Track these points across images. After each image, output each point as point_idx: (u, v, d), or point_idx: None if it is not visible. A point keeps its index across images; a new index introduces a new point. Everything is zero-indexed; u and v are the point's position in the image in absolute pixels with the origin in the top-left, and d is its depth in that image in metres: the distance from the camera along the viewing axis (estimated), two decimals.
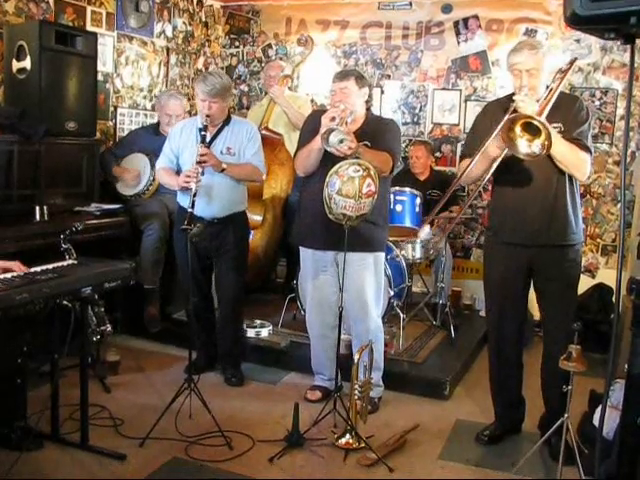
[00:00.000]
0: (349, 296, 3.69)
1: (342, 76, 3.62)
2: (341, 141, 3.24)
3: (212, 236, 3.94)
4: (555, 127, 3.05)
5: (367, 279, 3.69)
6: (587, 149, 3.11)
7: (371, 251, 3.68)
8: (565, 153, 3.04)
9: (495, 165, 3.15)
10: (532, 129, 2.87)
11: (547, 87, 3.16)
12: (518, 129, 2.90)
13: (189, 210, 3.60)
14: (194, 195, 3.63)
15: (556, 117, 3.08)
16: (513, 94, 3.19)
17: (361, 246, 3.60)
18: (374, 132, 3.56)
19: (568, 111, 3.14)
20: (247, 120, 4.66)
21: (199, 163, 3.65)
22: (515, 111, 3.04)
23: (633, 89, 5.20)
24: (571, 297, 3.31)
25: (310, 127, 3.63)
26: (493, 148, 3.10)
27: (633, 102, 5.27)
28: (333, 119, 3.35)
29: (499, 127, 2.99)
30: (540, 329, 5.01)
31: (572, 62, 3.34)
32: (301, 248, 3.84)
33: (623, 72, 5.29)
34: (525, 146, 2.91)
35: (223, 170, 3.79)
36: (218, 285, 4.17)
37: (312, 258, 3.75)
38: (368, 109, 3.73)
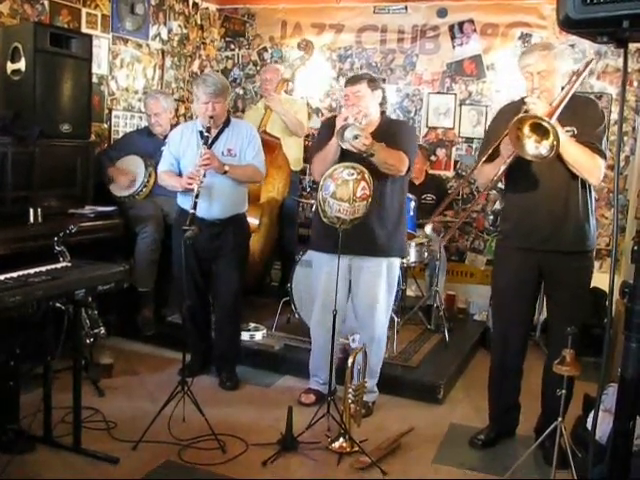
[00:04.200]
0: (359, 301, 3.70)
1: (354, 80, 3.62)
2: (356, 137, 3.24)
3: (213, 237, 3.93)
4: (568, 131, 3.02)
5: (379, 286, 3.68)
6: (601, 153, 3.06)
7: (385, 256, 3.66)
8: (577, 157, 3.00)
9: (504, 167, 3.10)
10: (541, 130, 2.83)
11: (562, 89, 3.12)
12: (526, 129, 2.86)
13: (191, 211, 3.64)
14: (196, 197, 3.65)
15: (570, 121, 3.03)
16: (526, 96, 3.16)
17: (375, 251, 3.61)
18: (389, 134, 3.55)
19: (582, 114, 3.09)
20: (245, 121, 4.67)
21: (202, 165, 3.67)
22: (527, 113, 3.00)
23: (627, 94, 5.21)
24: (580, 304, 3.26)
25: (325, 132, 3.62)
26: (505, 149, 3.07)
27: (627, 107, 5.29)
28: (347, 119, 3.35)
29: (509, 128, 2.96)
30: (535, 333, 5.05)
31: (588, 64, 3.29)
32: (315, 253, 3.83)
33: (617, 77, 5.31)
34: (533, 147, 2.87)
35: (225, 172, 3.79)
36: (217, 286, 4.15)
37: (327, 263, 3.68)
38: (383, 112, 3.73)
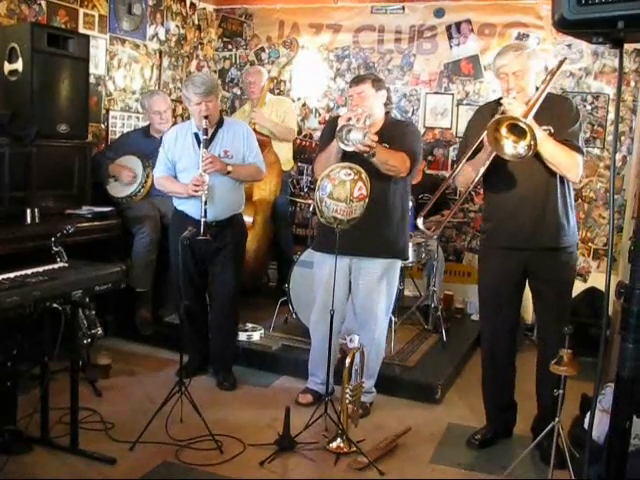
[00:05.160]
0: (358, 302, 3.70)
1: (358, 80, 3.62)
2: (364, 135, 3.24)
3: (212, 238, 3.92)
4: (545, 129, 3.06)
5: (379, 286, 3.68)
6: (578, 149, 3.10)
7: (386, 257, 3.66)
8: (555, 154, 3.04)
9: (483, 168, 3.14)
10: (518, 131, 2.87)
11: (537, 88, 3.16)
12: (504, 130, 2.91)
13: (202, 220, 3.66)
14: (205, 203, 3.67)
15: (546, 119, 3.07)
16: (502, 98, 3.19)
17: (376, 252, 3.61)
18: (393, 134, 3.56)
19: (558, 113, 3.13)
20: (239, 120, 4.66)
21: (205, 170, 3.66)
22: (503, 114, 3.04)
23: (623, 94, 5.22)
24: (564, 301, 3.30)
25: (328, 132, 3.62)
26: (483, 154, 3.11)
27: (623, 107, 5.29)
28: (349, 120, 3.35)
29: (485, 131, 2.99)
30: (532, 333, 5.05)
31: (561, 63, 3.35)
32: (317, 254, 3.82)
33: (614, 77, 5.31)
34: (511, 147, 2.92)
35: (228, 173, 3.79)
36: (213, 287, 4.15)
37: (328, 263, 3.66)
38: (387, 113, 3.73)
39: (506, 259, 3.27)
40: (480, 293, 3.48)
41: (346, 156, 3.43)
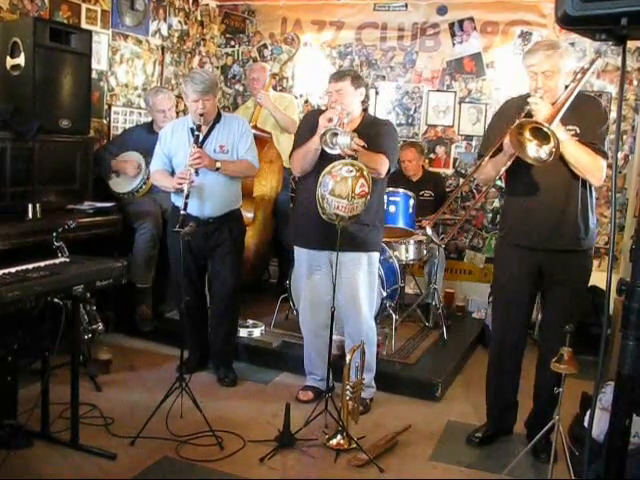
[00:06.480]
0: (342, 296, 3.69)
1: (338, 77, 3.61)
2: (351, 140, 3.24)
3: (208, 235, 3.93)
4: (570, 130, 3.01)
5: (360, 279, 3.68)
6: (603, 153, 3.05)
7: (365, 251, 3.68)
8: (579, 157, 2.99)
9: (504, 168, 3.11)
10: (542, 134, 2.82)
11: (566, 87, 3.08)
12: (527, 133, 2.86)
13: (182, 212, 3.62)
14: (186, 197, 3.64)
15: (573, 120, 3.02)
16: (529, 95, 3.12)
17: (355, 246, 3.61)
18: (370, 133, 3.54)
19: (585, 114, 3.07)
20: (237, 115, 4.64)
21: (192, 164, 3.66)
22: (529, 114, 2.99)
23: (626, 92, 5.21)
24: (575, 305, 3.26)
25: (307, 127, 3.62)
26: (503, 157, 3.09)
27: (626, 105, 5.28)
28: (330, 120, 3.34)
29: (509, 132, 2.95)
30: (533, 331, 5.05)
31: (593, 61, 3.29)
32: (295, 247, 3.84)
33: (617, 76, 5.30)
34: (534, 150, 2.87)
35: (217, 169, 3.78)
36: (213, 284, 4.15)
37: (306, 257, 3.74)
38: (365, 110, 3.73)
39: (521, 258, 3.23)
40: (494, 292, 3.46)
41: (324, 155, 3.41)
